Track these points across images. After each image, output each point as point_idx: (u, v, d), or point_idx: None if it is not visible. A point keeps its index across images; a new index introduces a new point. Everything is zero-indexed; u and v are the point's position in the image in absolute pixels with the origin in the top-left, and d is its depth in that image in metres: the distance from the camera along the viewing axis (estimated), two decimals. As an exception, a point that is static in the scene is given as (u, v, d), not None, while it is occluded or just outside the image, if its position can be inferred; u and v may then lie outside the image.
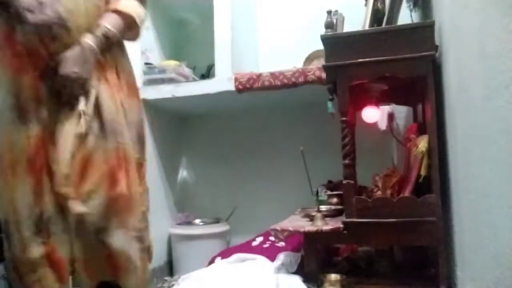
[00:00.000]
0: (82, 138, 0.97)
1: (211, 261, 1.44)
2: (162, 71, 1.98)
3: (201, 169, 2.38)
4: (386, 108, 1.61)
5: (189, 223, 2.09)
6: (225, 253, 1.42)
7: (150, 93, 1.96)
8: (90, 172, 0.98)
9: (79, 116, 0.98)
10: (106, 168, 0.99)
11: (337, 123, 1.20)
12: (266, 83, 1.77)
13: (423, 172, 1.12)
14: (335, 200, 1.46)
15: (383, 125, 1.63)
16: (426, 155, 1.12)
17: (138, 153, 1.10)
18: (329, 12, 1.60)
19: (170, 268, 2.09)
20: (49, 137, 0.98)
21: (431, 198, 1.08)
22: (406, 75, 1.13)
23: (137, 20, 1.13)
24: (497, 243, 0.73)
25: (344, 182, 1.17)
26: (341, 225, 1.14)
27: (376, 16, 1.34)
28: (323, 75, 1.57)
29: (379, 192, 1.25)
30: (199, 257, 1.78)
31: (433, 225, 1.07)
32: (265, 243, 1.51)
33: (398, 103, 1.56)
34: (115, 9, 1.06)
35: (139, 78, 2.00)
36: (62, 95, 1.00)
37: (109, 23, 1.05)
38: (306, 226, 1.20)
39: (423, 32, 1.11)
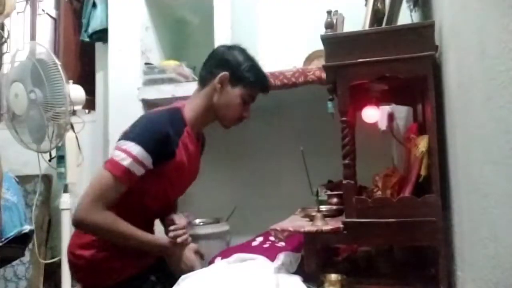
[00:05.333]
0: None
1: (211, 261, 1.44)
2: (162, 71, 1.98)
3: (201, 169, 2.38)
4: (386, 108, 1.61)
5: (189, 223, 2.09)
6: (225, 253, 1.42)
7: (150, 93, 1.96)
8: None
9: None
10: None
11: (337, 123, 1.20)
12: (266, 83, 1.77)
13: (423, 172, 1.12)
14: (335, 200, 1.45)
15: (383, 125, 1.63)
16: (426, 155, 1.12)
17: None
18: (329, 12, 1.59)
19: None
20: None
21: (431, 198, 1.08)
22: (406, 75, 1.13)
23: None
24: (497, 243, 0.73)
25: (344, 182, 1.17)
26: (341, 225, 1.14)
27: (376, 16, 1.34)
28: (323, 75, 1.57)
29: (379, 192, 1.25)
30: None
31: (433, 225, 1.07)
32: (265, 243, 1.50)
33: (398, 103, 1.56)
34: None
35: (139, 78, 2.00)
36: None
37: None
38: (306, 226, 1.20)
39: (423, 32, 1.11)
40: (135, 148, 1.22)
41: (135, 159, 1.22)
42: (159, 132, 1.26)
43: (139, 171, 1.24)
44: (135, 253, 1.32)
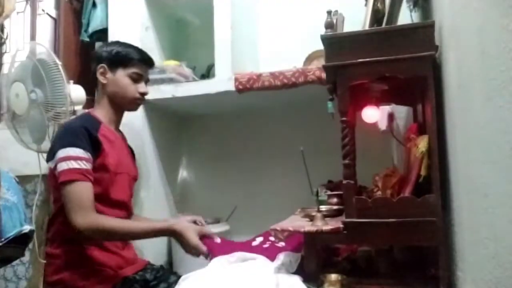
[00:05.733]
0: None
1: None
2: (162, 71, 1.98)
3: (201, 169, 2.38)
4: (386, 108, 1.61)
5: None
6: (225, 248, 1.41)
7: (150, 93, 1.96)
8: None
9: None
10: None
11: (337, 123, 1.20)
12: (266, 83, 1.77)
13: (423, 172, 1.12)
14: (335, 200, 1.45)
15: (383, 125, 1.63)
16: (426, 155, 1.12)
17: None
18: (329, 12, 1.59)
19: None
20: None
21: (431, 198, 1.08)
22: (406, 75, 1.13)
23: None
24: (497, 243, 0.73)
25: (344, 182, 1.17)
26: (341, 225, 1.14)
27: (376, 16, 1.34)
28: (323, 75, 1.57)
29: (379, 192, 1.25)
30: (199, 258, 1.77)
31: (433, 225, 1.07)
32: (265, 243, 1.50)
33: (398, 103, 1.56)
34: None
35: (139, 78, 2.00)
36: None
37: None
38: (306, 226, 1.20)
39: (423, 32, 1.11)
40: (67, 151, 1.29)
41: (74, 158, 1.28)
42: (77, 129, 1.34)
43: (86, 165, 1.29)
44: (104, 269, 1.35)
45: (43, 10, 2.65)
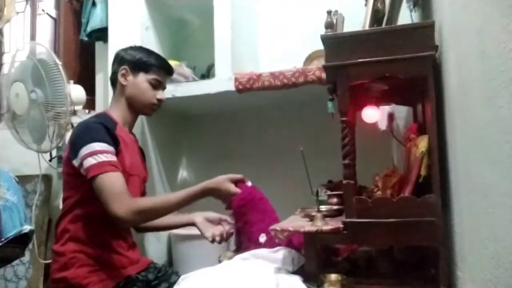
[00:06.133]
0: None
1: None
2: (162, 71, 1.98)
3: (201, 169, 2.38)
4: (386, 108, 1.61)
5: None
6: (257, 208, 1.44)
7: (150, 93, 1.96)
8: None
9: None
10: None
11: (337, 123, 1.20)
12: (266, 83, 1.77)
13: (423, 172, 1.12)
14: (335, 200, 1.45)
15: (383, 125, 1.62)
16: (426, 155, 1.12)
17: None
18: (329, 12, 1.59)
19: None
20: None
21: (431, 198, 1.08)
22: (406, 75, 1.13)
23: None
24: (497, 243, 0.73)
25: (344, 182, 1.17)
26: (341, 225, 1.14)
27: (376, 16, 1.34)
28: (323, 75, 1.57)
29: (379, 192, 1.25)
30: (199, 257, 1.77)
31: (433, 225, 1.07)
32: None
33: (398, 103, 1.56)
34: None
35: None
36: None
37: None
38: (306, 226, 1.20)
39: (423, 32, 1.11)
40: (92, 146, 1.28)
41: (100, 151, 1.28)
42: (97, 126, 1.35)
43: (113, 157, 1.30)
44: (107, 268, 1.35)
45: (43, 10, 2.65)
